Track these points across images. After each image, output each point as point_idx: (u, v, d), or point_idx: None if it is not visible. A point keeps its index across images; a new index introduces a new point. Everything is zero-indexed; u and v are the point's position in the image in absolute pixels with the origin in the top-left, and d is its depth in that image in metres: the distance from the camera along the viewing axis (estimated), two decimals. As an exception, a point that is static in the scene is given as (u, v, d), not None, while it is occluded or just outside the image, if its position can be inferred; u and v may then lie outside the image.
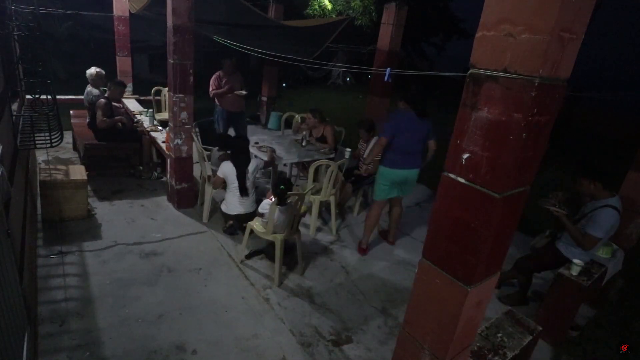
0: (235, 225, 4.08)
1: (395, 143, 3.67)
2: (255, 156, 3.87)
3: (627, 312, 3.63)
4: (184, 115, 4.15)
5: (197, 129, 5.07)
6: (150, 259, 3.51)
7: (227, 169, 3.76)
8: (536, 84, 1.19)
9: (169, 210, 4.42)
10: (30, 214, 3.40)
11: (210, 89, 5.94)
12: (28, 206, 3.21)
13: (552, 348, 3.07)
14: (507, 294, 3.61)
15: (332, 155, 4.99)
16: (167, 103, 6.06)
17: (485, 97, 1.32)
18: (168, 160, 4.46)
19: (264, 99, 8.35)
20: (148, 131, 5.18)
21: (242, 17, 5.07)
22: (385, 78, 4.62)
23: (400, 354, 1.84)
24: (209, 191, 4.17)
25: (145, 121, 5.55)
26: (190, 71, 4.04)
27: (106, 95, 4.95)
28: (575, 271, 2.97)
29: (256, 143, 4.93)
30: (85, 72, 5.32)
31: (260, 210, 3.47)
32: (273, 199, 3.32)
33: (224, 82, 5.90)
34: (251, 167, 3.83)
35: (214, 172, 4.20)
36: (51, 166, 3.97)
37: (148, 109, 5.92)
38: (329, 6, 6.39)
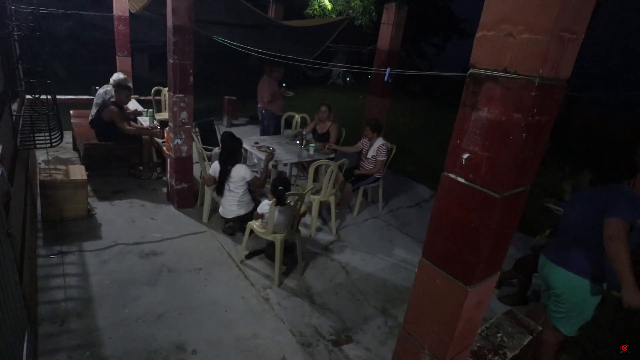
0: (235, 226, 4.08)
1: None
2: (248, 164, 3.86)
3: (627, 312, 3.63)
4: (184, 115, 4.15)
5: (197, 129, 5.07)
6: (150, 259, 3.51)
7: (215, 166, 3.80)
8: (536, 84, 1.19)
9: (169, 210, 4.42)
10: (30, 214, 3.40)
11: (266, 95, 6.18)
12: (28, 206, 3.21)
13: (552, 348, 3.07)
14: (507, 294, 3.61)
15: (332, 156, 5.00)
16: (167, 103, 6.06)
17: (485, 97, 1.32)
18: (168, 160, 4.46)
19: (264, 99, 8.34)
20: (155, 130, 5.20)
21: (242, 17, 5.08)
22: (385, 78, 4.63)
23: (400, 354, 1.84)
24: (208, 191, 4.17)
25: (145, 121, 5.55)
26: (190, 71, 4.04)
27: (113, 100, 4.98)
28: None
29: (256, 143, 4.94)
30: (85, 72, 5.36)
31: (259, 210, 3.48)
32: (272, 200, 3.32)
33: (276, 89, 6.27)
34: (238, 173, 3.68)
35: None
36: (51, 166, 3.97)
37: (148, 109, 5.92)
38: (329, 6, 6.39)
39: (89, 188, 4.08)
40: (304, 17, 6.73)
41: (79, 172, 3.98)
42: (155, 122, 5.56)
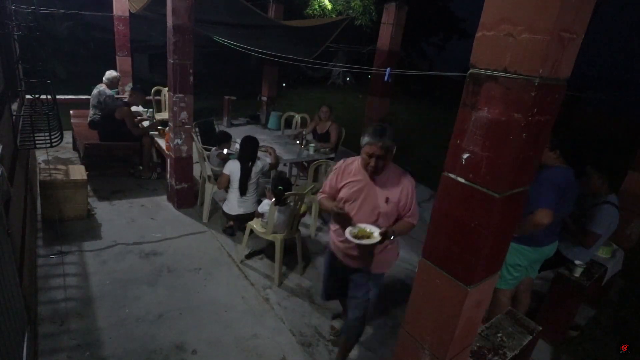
0: (235, 226, 4.08)
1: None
2: (259, 158, 3.84)
3: (627, 312, 3.63)
4: (184, 115, 4.16)
5: (197, 129, 5.07)
6: (150, 259, 3.51)
7: (233, 167, 3.74)
8: (536, 84, 1.19)
9: (169, 210, 4.42)
10: (30, 214, 3.40)
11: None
12: (28, 206, 3.21)
13: (552, 348, 3.07)
14: None
15: (332, 155, 4.99)
16: (167, 103, 6.06)
17: (485, 97, 1.32)
18: (168, 160, 4.46)
19: (264, 99, 8.36)
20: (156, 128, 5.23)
21: (242, 17, 5.08)
22: (385, 78, 4.64)
23: (400, 354, 1.84)
24: (209, 191, 4.17)
25: (145, 122, 5.55)
26: (190, 71, 4.04)
27: (125, 100, 5.07)
28: (577, 272, 2.97)
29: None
30: (85, 72, 5.38)
31: (260, 210, 3.48)
32: (273, 199, 3.33)
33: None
34: (256, 167, 3.78)
35: (214, 172, 4.21)
36: (51, 166, 3.97)
37: (148, 109, 5.92)
38: (329, 6, 6.40)
39: (89, 188, 4.08)
40: (304, 17, 6.73)
41: (79, 172, 3.98)
42: (155, 122, 5.56)
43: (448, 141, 1.47)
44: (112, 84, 5.55)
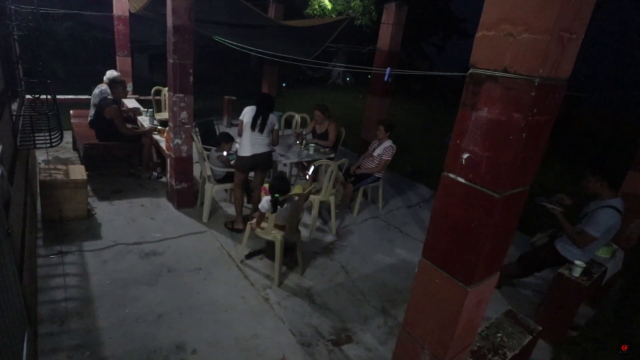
0: (239, 221, 4.08)
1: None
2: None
3: (627, 312, 3.63)
4: (184, 115, 4.16)
5: (197, 129, 5.07)
6: (150, 259, 3.51)
7: (247, 109, 3.93)
8: (536, 84, 1.19)
9: (169, 210, 4.42)
10: (30, 214, 3.40)
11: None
12: (28, 206, 3.21)
13: (552, 348, 3.07)
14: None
15: (332, 155, 5.00)
16: (167, 103, 6.06)
17: (485, 97, 1.32)
18: (168, 160, 4.46)
19: (264, 98, 8.35)
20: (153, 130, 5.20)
21: (242, 17, 5.08)
22: (385, 78, 4.64)
23: (400, 354, 1.84)
24: (209, 191, 4.17)
25: (145, 121, 5.55)
26: (190, 71, 4.04)
27: (110, 97, 4.95)
28: (576, 272, 2.97)
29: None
30: (85, 72, 5.37)
31: (261, 208, 3.46)
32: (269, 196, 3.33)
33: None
34: (272, 119, 3.99)
35: (214, 172, 4.21)
36: (51, 166, 3.97)
37: (148, 109, 5.92)
38: (329, 6, 6.40)
39: (89, 188, 4.08)
40: (304, 17, 6.73)
41: (79, 172, 3.98)
42: (155, 122, 5.56)
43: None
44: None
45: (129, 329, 2.71)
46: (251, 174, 4.19)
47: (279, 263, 3.35)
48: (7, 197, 2.03)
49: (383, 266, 3.91)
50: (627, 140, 9.25)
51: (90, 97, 5.47)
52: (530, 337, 2.33)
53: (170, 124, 4.22)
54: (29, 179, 3.76)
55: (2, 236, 1.73)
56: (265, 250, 3.80)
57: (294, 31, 5.60)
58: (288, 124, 6.74)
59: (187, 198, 4.49)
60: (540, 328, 2.45)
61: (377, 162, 4.79)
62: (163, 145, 4.76)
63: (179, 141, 4.23)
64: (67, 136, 4.99)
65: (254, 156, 3.91)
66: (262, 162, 4.00)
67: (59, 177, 3.79)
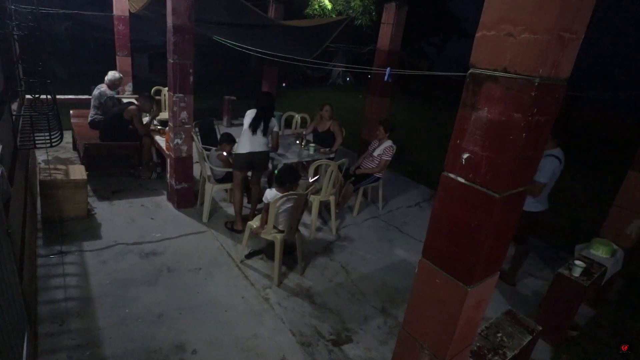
0: (238, 222, 4.07)
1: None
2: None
3: (627, 312, 3.63)
4: (184, 115, 4.15)
5: (197, 129, 5.07)
6: (150, 259, 3.51)
7: (248, 113, 3.96)
8: (536, 84, 1.19)
9: (169, 210, 4.42)
10: (30, 214, 3.40)
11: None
12: (28, 206, 3.21)
13: (552, 348, 3.07)
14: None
15: (332, 156, 5.00)
16: (167, 103, 6.06)
17: (485, 97, 1.32)
18: (168, 160, 4.46)
19: (264, 98, 8.35)
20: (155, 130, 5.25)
21: (242, 17, 5.07)
22: (385, 78, 4.64)
23: (400, 354, 1.84)
24: (209, 191, 4.17)
25: (145, 121, 5.55)
26: (190, 71, 4.04)
27: (137, 104, 5.10)
28: (577, 272, 2.97)
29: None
30: (85, 72, 5.38)
31: (265, 200, 3.45)
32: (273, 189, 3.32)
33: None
34: (273, 123, 4.03)
35: (214, 172, 4.21)
36: (51, 166, 3.97)
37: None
38: (329, 6, 6.40)
39: (88, 188, 4.08)
40: (304, 17, 6.73)
41: (79, 172, 3.98)
42: (155, 122, 5.56)
43: (448, 141, 1.47)
44: (113, 84, 5.56)
45: (129, 329, 2.71)
46: (250, 174, 4.19)
47: (279, 263, 3.35)
48: (7, 197, 2.03)
49: (383, 266, 3.91)
50: (627, 140, 9.25)
51: (90, 97, 5.48)
52: (530, 337, 2.33)
53: (170, 124, 4.22)
54: (29, 179, 3.76)
55: (2, 236, 1.73)
56: (265, 250, 3.80)
57: (294, 31, 5.59)
58: (288, 124, 6.74)
59: (187, 198, 4.49)
60: (540, 328, 2.45)
61: (377, 162, 4.79)
62: (163, 144, 4.76)
63: (179, 141, 4.23)
64: (67, 136, 4.99)
65: (251, 154, 3.91)
66: (259, 161, 4.00)
67: (59, 177, 3.79)
